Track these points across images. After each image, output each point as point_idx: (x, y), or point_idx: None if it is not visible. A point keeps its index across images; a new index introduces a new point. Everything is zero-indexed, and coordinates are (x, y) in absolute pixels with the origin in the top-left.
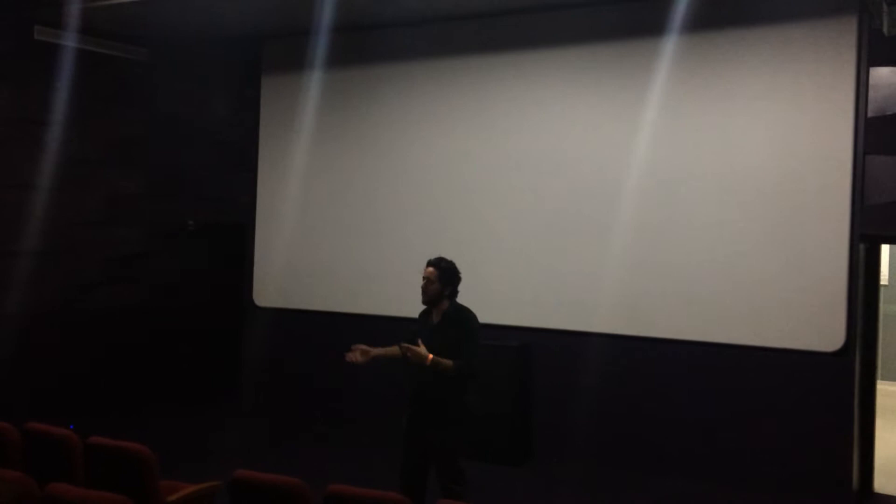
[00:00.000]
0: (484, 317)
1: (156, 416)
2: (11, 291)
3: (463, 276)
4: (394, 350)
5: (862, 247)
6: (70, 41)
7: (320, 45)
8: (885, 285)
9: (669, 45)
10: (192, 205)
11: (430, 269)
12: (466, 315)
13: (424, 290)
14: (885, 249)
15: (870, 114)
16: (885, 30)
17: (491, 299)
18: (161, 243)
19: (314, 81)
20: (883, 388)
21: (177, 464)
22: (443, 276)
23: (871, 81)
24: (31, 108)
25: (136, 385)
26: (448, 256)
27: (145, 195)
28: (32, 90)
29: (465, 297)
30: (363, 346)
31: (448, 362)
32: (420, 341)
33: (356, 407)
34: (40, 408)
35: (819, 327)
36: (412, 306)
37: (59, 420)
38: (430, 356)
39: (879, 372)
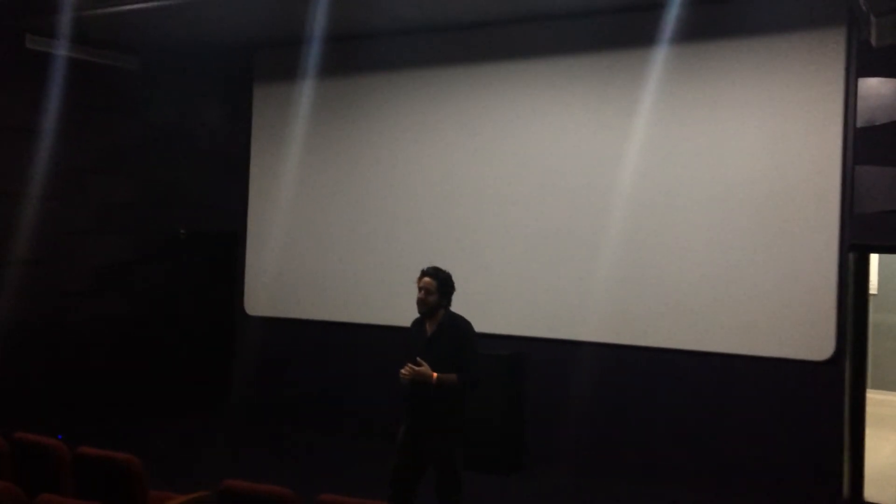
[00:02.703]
0: (476, 326)
1: (146, 426)
2: (2, 300)
3: (454, 285)
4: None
5: (851, 256)
6: (61, 50)
7: (312, 55)
8: (874, 294)
9: (660, 56)
10: (184, 214)
11: (428, 279)
12: (463, 325)
13: (423, 300)
14: (875, 259)
15: (859, 124)
16: (873, 41)
17: (482, 308)
18: (153, 252)
19: (306, 91)
20: (873, 396)
21: (166, 473)
22: (441, 287)
23: (861, 92)
24: (23, 116)
25: (127, 394)
26: (439, 265)
27: (137, 204)
28: (24, 99)
29: (457, 306)
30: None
31: (452, 377)
32: (419, 360)
33: (347, 416)
34: (30, 418)
35: (809, 336)
36: (403, 315)
37: (48, 430)
38: (435, 375)
39: (869, 381)
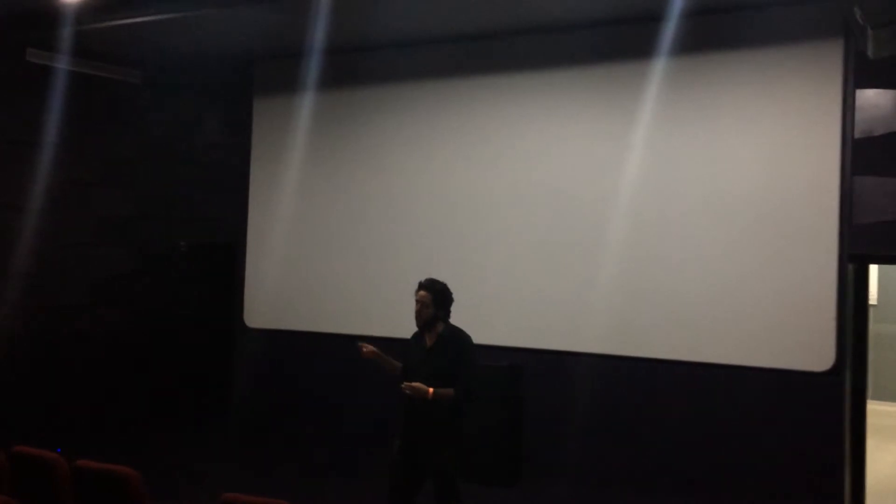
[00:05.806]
0: (475, 337)
1: (145, 439)
2: (0, 313)
3: (454, 296)
4: (393, 366)
5: (851, 267)
6: (62, 63)
7: (311, 67)
8: (874, 305)
9: (658, 68)
10: (184, 226)
11: (423, 292)
12: (462, 338)
13: (419, 314)
14: (874, 269)
15: (857, 135)
16: (869, 53)
17: (482, 319)
18: (152, 265)
19: (305, 103)
20: (874, 407)
21: (166, 487)
22: (437, 299)
23: (858, 103)
24: (23, 129)
25: (126, 407)
26: (439, 277)
27: (137, 216)
28: (24, 112)
29: (456, 317)
30: (373, 348)
31: (449, 391)
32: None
33: (347, 429)
34: (28, 431)
35: (809, 347)
36: (403, 327)
37: (47, 443)
38: (431, 390)
39: (870, 391)
